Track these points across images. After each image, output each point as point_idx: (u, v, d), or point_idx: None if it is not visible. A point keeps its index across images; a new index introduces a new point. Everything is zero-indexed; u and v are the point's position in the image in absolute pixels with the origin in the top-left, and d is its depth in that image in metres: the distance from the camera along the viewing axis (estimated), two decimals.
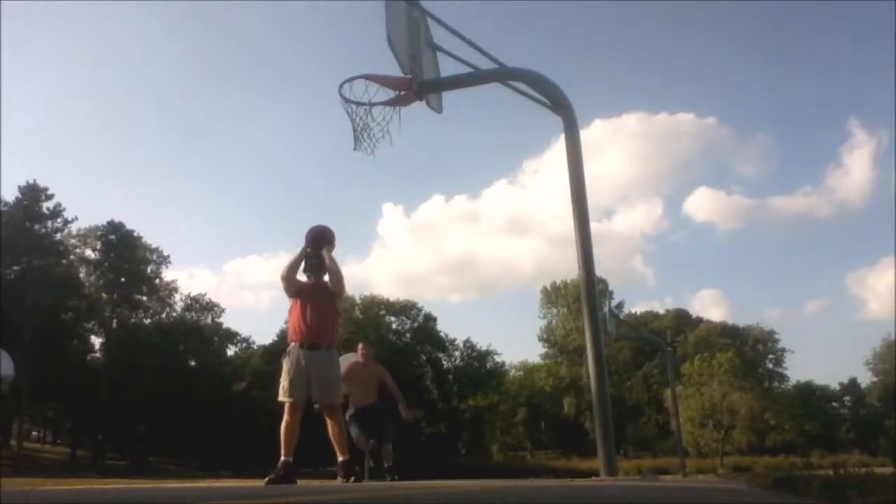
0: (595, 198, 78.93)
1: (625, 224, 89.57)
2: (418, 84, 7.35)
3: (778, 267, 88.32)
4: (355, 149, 7.53)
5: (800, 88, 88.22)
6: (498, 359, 58.32)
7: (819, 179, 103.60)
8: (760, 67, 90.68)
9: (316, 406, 5.63)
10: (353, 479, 5.50)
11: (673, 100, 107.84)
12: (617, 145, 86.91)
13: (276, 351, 50.41)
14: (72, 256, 47.51)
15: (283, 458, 5.38)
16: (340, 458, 5.61)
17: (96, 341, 49.17)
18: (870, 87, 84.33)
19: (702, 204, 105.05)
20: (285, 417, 5.50)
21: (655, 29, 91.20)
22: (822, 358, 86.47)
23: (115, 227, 47.67)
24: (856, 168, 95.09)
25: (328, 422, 5.58)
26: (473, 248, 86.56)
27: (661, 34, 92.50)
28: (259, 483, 5.39)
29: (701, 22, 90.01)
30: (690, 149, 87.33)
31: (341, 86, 7.43)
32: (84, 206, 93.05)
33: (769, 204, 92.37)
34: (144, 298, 49.87)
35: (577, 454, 55.33)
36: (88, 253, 48.59)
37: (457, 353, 57.50)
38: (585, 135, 69.03)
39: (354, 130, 7.47)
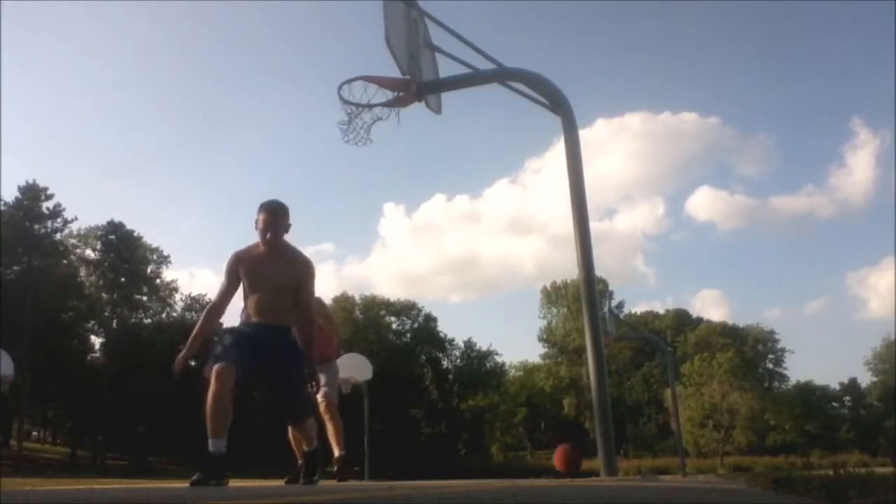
0: (597, 197, 79.04)
1: (626, 224, 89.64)
2: (417, 85, 7.34)
3: (779, 267, 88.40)
4: (346, 140, 7.55)
5: (802, 87, 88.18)
6: (498, 359, 58.46)
7: (822, 179, 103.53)
8: (763, 67, 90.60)
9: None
10: (352, 477, 5.51)
11: (676, 99, 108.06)
12: (619, 144, 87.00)
13: None
14: (72, 256, 47.53)
15: (300, 460, 5.52)
16: (337, 454, 5.72)
17: (96, 341, 49.23)
18: (873, 85, 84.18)
19: (703, 203, 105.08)
20: None
21: (658, 28, 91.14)
22: (822, 358, 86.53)
23: (115, 227, 47.68)
24: (859, 167, 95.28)
25: (325, 420, 5.82)
26: (475, 247, 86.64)
27: (664, 34, 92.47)
28: (260, 483, 5.40)
29: (704, 21, 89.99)
30: (693, 148, 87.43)
31: (340, 87, 7.44)
32: (84, 206, 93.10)
33: (771, 203, 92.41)
34: (144, 298, 49.89)
35: None
36: (88, 253, 48.65)
37: (457, 354, 57.60)
38: (588, 134, 68.58)
39: (345, 123, 7.47)
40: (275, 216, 4.47)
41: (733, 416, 51.30)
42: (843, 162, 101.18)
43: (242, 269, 4.47)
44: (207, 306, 4.64)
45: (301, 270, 4.51)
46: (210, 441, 4.26)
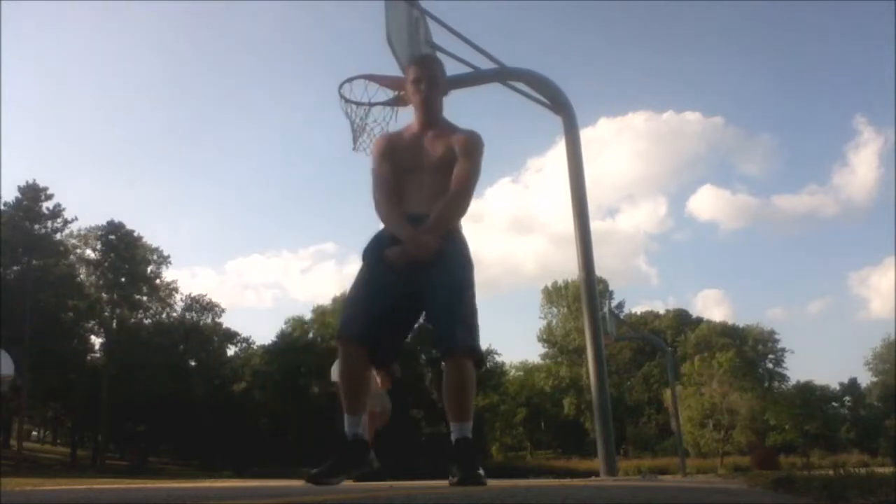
0: (599, 196, 79.10)
1: (629, 223, 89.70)
2: None
3: (782, 266, 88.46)
4: (354, 149, 7.52)
5: (805, 86, 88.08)
6: (498, 359, 58.39)
7: (824, 178, 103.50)
8: (766, 66, 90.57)
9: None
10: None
11: (679, 99, 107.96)
12: (622, 144, 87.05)
13: (275, 351, 50.55)
14: (72, 256, 47.55)
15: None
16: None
17: (96, 341, 49.29)
18: (876, 83, 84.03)
19: (706, 203, 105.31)
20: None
21: (662, 27, 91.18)
22: (822, 358, 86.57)
23: (115, 227, 47.71)
24: (862, 166, 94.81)
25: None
26: (476, 247, 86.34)
27: (667, 33, 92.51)
28: (259, 483, 5.36)
29: (707, 21, 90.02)
30: (695, 148, 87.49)
31: (341, 86, 7.43)
32: (84, 206, 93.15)
33: (774, 203, 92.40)
34: (144, 298, 49.93)
35: (577, 454, 55.34)
36: (88, 253, 48.70)
37: None
38: (591, 133, 68.58)
39: (353, 130, 7.47)
40: (433, 63, 3.43)
41: (733, 416, 51.26)
42: (845, 161, 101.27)
43: (394, 151, 3.32)
44: (381, 203, 3.28)
45: (466, 137, 3.36)
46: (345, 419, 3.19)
